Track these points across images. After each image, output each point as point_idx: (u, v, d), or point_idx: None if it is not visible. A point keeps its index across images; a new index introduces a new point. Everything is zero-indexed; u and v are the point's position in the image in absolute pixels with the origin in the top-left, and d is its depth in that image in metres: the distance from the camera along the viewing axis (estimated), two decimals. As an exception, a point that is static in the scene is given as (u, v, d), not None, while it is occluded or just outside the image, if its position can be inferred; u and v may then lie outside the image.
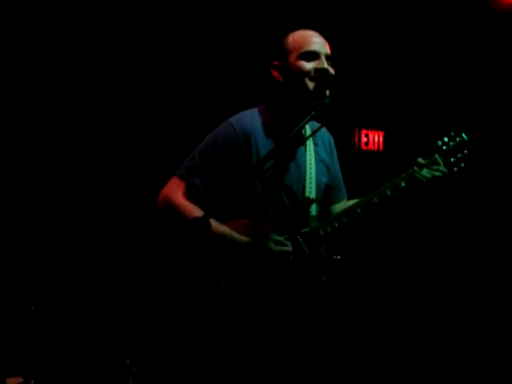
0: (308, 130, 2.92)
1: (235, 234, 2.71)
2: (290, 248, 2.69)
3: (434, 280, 5.20)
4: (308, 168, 2.86)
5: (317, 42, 2.79)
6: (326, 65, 2.75)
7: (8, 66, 4.64)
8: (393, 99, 5.31)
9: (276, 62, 2.83)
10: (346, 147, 3.14)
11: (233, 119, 2.84)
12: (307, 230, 2.78)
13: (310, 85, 2.74)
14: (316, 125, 2.91)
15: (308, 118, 2.62)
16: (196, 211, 2.71)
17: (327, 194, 3.02)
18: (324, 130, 3.01)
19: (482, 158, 4.72)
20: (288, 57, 2.79)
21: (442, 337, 5.04)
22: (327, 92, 2.73)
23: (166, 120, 4.94)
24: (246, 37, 4.94)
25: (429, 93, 5.27)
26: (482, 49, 5.13)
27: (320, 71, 2.74)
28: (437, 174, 2.80)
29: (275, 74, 2.83)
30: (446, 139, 2.89)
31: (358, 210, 2.80)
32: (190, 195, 2.78)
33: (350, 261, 4.85)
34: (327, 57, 2.78)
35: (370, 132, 5.35)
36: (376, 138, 5.38)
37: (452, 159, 2.86)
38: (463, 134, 2.89)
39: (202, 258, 2.76)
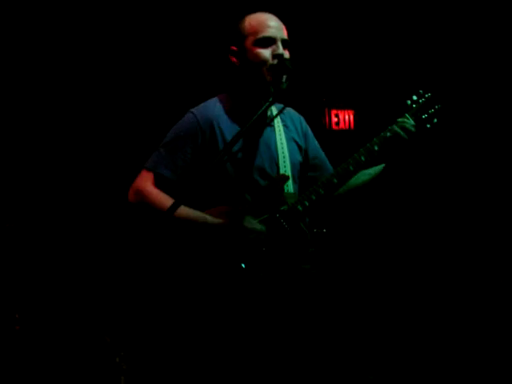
0: (274, 110, 2.94)
1: (209, 218, 2.69)
2: (262, 227, 2.68)
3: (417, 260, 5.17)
4: (279, 147, 2.86)
5: (273, 26, 2.79)
6: (281, 50, 2.76)
7: (8, 66, 4.64)
8: (360, 77, 5.31)
9: (233, 48, 2.84)
10: (317, 128, 3.14)
11: (194, 109, 2.87)
12: (285, 207, 2.76)
13: (267, 74, 2.75)
14: (280, 106, 2.92)
15: (267, 104, 2.63)
16: (167, 200, 2.70)
17: (312, 172, 3.00)
18: (293, 111, 3.02)
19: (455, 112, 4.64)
20: (244, 42, 2.80)
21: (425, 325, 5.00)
22: (284, 77, 2.73)
23: (130, 116, 4.93)
24: (205, 25, 4.92)
25: (395, 66, 5.27)
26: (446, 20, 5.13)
27: (276, 57, 2.75)
28: (408, 127, 2.74)
29: (233, 59, 2.85)
30: (414, 97, 2.85)
31: (334, 180, 2.75)
32: (159, 186, 2.76)
33: (335, 233, 4.82)
34: (283, 41, 2.79)
35: (339, 112, 5.37)
36: (346, 117, 5.39)
37: (423, 116, 2.82)
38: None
39: (177, 247, 2.74)
